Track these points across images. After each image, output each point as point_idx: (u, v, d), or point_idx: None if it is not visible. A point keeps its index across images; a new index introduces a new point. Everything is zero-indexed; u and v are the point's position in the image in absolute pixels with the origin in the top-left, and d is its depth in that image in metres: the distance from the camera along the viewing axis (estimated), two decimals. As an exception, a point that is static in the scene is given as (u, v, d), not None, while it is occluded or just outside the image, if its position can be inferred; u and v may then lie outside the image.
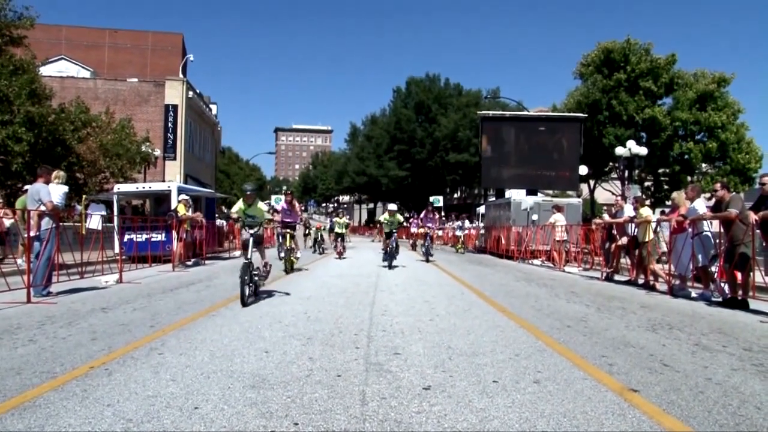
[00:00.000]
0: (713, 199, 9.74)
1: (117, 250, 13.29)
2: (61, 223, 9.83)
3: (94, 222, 14.58)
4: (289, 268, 13.50)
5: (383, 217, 16.99)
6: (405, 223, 17.36)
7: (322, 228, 26.54)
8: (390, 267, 15.12)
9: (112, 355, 4.77)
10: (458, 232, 29.66)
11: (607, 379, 4.22)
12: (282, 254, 14.13)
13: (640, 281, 11.76)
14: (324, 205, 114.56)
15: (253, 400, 3.60)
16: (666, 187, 33.23)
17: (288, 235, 13.68)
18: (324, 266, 16.47)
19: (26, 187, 12.16)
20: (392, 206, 17.30)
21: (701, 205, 9.96)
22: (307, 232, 33.47)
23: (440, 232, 35.46)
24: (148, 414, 3.30)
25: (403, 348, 5.19)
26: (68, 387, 3.83)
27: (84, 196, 16.04)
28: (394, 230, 16.27)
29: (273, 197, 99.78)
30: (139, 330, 5.92)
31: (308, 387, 3.90)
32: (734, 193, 9.57)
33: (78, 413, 3.31)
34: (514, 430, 3.14)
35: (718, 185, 9.47)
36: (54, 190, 9.10)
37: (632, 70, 32.87)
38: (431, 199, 52.06)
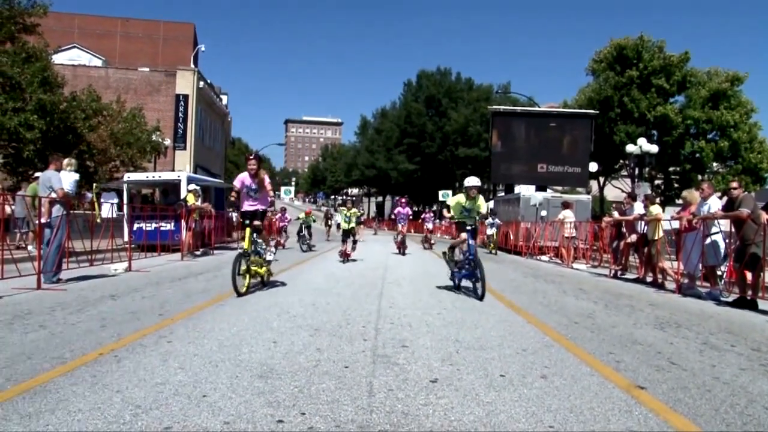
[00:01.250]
0: (725, 198, 9.65)
1: (126, 238, 13.38)
2: (71, 211, 9.91)
3: (105, 210, 14.69)
4: (244, 287, 7.79)
5: (455, 200, 9.20)
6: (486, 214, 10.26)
7: (311, 217, 21.74)
8: (481, 298, 8.30)
9: (121, 342, 4.80)
10: (490, 230, 22.90)
11: (614, 375, 4.21)
12: (268, 255, 8.76)
13: (649, 279, 11.72)
14: (333, 197, 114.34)
15: (260, 389, 3.62)
16: (676, 185, 33.08)
17: (249, 230, 8.19)
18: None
19: (37, 174, 12.27)
20: (473, 180, 9.09)
21: (716, 202, 9.83)
22: (329, 223, 33.18)
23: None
24: (156, 401, 3.32)
25: (411, 341, 5.20)
26: (78, 372, 3.86)
27: (95, 185, 16.16)
28: (473, 225, 9.00)
29: (282, 188, 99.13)
30: (147, 318, 5.96)
31: (316, 377, 3.91)
32: (746, 192, 9.45)
33: (87, 398, 3.34)
34: (520, 425, 3.14)
35: (734, 183, 9.36)
36: (65, 178, 9.17)
37: (645, 68, 32.66)
38: (440, 193, 51.62)
